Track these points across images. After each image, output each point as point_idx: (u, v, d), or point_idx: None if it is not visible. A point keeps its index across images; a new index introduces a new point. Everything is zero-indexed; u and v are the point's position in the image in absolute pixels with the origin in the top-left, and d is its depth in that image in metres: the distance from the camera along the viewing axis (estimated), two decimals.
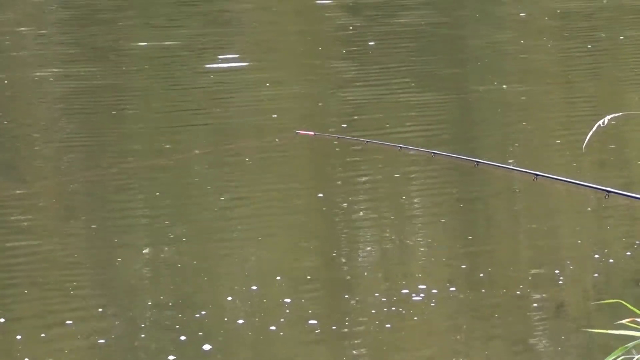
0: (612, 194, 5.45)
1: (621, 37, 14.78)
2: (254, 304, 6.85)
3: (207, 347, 6.26)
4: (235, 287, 7.25)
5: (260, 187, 9.05)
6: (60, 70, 12.45)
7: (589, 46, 13.30)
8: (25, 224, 8.55)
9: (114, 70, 11.78)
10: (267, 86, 10.65)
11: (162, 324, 6.79)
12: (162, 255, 7.84)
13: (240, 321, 6.74)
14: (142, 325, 6.77)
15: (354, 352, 6.27)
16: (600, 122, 6.65)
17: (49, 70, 12.47)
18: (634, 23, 15.24)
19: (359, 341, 6.37)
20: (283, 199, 8.81)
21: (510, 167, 7.46)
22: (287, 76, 10.93)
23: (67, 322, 6.84)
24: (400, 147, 8.30)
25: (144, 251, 7.89)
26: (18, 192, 9.06)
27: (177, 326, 6.61)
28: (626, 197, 5.09)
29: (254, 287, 7.13)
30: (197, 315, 6.67)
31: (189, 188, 9.09)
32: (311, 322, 6.45)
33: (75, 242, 8.28)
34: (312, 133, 9.10)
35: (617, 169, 8.41)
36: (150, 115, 10.37)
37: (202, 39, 12.81)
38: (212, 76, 10.85)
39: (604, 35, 14.51)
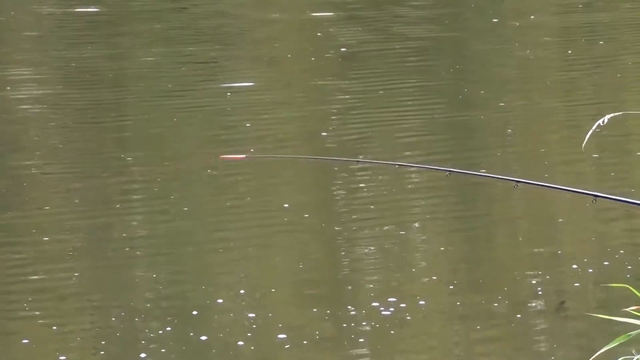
0: (600, 198, 5.46)
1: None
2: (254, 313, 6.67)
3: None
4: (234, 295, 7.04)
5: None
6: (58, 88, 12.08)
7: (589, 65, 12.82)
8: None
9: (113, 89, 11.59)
10: (271, 107, 10.48)
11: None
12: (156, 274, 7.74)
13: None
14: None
15: (356, 357, 6.24)
16: (600, 121, 6.72)
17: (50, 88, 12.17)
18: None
19: (360, 347, 6.30)
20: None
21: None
22: (290, 97, 10.81)
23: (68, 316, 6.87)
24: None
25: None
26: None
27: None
28: (614, 200, 5.08)
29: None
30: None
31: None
32: (312, 328, 6.40)
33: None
34: (243, 156, 8.90)
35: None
36: (150, 132, 10.17)
37: (203, 57, 12.55)
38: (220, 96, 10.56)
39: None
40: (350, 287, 7.22)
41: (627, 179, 8.27)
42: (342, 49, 12.75)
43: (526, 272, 7.26)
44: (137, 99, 11.38)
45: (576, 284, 6.57)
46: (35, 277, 7.46)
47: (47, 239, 8.13)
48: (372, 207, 8.71)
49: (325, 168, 9.21)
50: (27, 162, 9.56)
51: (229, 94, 10.80)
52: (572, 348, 5.31)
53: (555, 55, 13.48)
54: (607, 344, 4.29)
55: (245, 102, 10.47)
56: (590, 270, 6.71)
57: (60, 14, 15.35)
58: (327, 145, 9.90)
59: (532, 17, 15.36)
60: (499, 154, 9.83)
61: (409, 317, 6.50)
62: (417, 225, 8.48)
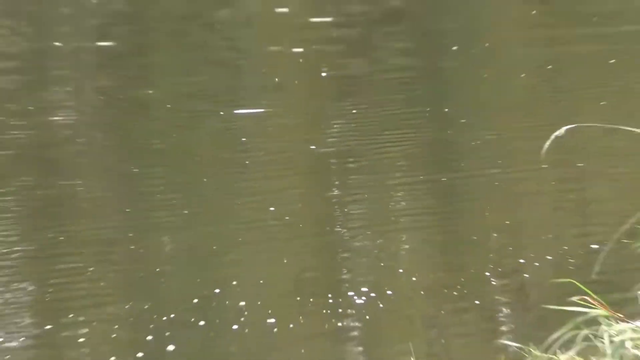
0: None
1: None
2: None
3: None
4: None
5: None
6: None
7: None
8: None
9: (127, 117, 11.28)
10: (280, 131, 10.40)
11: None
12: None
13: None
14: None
15: (343, 346, 6.39)
16: (557, 132, 7.12)
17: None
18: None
19: (346, 336, 6.44)
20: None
21: None
22: (299, 120, 10.81)
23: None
24: None
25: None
26: None
27: None
28: None
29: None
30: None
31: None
32: (300, 320, 6.52)
33: None
34: None
35: None
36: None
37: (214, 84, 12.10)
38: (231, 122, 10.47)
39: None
40: (334, 280, 7.38)
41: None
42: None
43: (490, 264, 7.23)
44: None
45: (536, 277, 6.65)
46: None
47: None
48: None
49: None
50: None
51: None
52: (530, 335, 5.25)
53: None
54: (559, 328, 4.77)
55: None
56: (550, 260, 6.86)
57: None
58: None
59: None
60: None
61: (382, 305, 6.64)
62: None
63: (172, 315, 6.44)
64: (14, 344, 6.40)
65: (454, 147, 10.18)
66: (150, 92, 11.51)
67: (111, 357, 6.11)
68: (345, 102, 11.26)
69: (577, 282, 4.96)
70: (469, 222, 8.54)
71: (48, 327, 6.58)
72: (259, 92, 11.42)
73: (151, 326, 6.27)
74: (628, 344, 4.50)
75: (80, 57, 13.25)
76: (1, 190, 8.81)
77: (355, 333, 6.50)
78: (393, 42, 13.54)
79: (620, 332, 4.61)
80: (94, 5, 15.29)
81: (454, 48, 13.10)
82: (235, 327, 6.29)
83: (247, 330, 6.28)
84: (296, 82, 11.91)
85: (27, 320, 6.79)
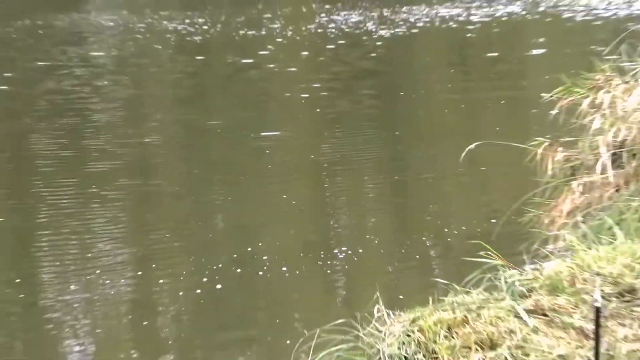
0: None
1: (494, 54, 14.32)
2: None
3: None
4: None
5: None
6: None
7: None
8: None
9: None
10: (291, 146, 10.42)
11: None
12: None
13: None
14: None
15: (332, 284, 6.36)
16: (469, 147, 7.08)
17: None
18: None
19: (332, 278, 6.43)
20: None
21: None
22: (303, 140, 10.83)
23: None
24: None
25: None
26: None
27: None
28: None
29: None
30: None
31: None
32: (302, 268, 6.51)
33: None
34: None
35: None
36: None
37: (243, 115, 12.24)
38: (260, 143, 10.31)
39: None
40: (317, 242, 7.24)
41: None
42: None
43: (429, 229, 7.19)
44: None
45: (457, 240, 6.58)
46: None
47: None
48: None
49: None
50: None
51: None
52: (453, 277, 5.12)
53: None
54: (472, 273, 4.69)
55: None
56: (465, 229, 6.73)
57: None
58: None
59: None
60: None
61: (355, 259, 6.58)
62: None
63: (219, 265, 6.32)
64: (115, 290, 6.32)
65: (403, 158, 10.09)
66: (212, 122, 11.45)
67: (180, 292, 6.03)
68: (334, 128, 11.19)
69: (483, 242, 4.88)
70: (413, 207, 8.41)
71: (139, 273, 6.50)
72: (278, 121, 11.34)
73: (206, 272, 6.20)
74: (517, 283, 4.41)
75: (163, 100, 13.21)
76: (114, 186, 8.73)
77: (339, 276, 6.43)
78: (364, 90, 13.50)
79: (511, 276, 4.50)
80: (171, 66, 15.30)
81: (401, 94, 13.04)
82: (260, 272, 6.22)
83: (268, 275, 6.19)
84: (300, 115, 11.86)
85: (129, 272, 6.69)
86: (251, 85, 13.62)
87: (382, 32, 18.02)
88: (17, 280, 6.28)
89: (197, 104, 12.71)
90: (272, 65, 14.82)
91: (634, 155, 6.07)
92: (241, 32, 18.13)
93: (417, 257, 6.47)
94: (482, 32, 18.51)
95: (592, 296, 3.48)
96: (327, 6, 21.67)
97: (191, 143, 10.78)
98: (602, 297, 3.31)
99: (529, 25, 19.09)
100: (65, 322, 5.64)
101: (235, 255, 6.47)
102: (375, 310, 4.17)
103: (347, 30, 18.31)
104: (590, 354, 3.16)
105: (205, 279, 6.06)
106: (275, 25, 18.83)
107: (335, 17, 19.98)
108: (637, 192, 5.75)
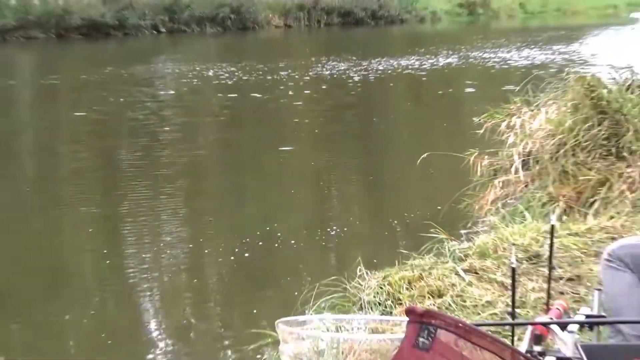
0: None
1: (440, 91, 14.01)
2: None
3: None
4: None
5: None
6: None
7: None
8: None
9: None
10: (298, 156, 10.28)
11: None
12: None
13: None
14: None
15: (328, 251, 6.28)
16: (423, 155, 7.09)
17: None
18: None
19: (329, 247, 6.33)
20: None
21: None
22: (307, 152, 10.63)
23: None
24: None
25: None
26: None
27: None
28: None
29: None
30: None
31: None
32: (307, 240, 6.55)
33: None
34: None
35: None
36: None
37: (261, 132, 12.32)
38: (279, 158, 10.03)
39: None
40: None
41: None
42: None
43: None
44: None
45: (414, 220, 6.40)
46: None
47: None
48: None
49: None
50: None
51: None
52: (412, 247, 4.85)
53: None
54: (425, 244, 4.57)
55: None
56: (419, 213, 6.54)
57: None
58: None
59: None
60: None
61: (343, 234, 6.51)
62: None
63: (247, 240, 6.29)
64: (175, 258, 6.28)
65: (376, 164, 9.93)
66: (243, 140, 11.38)
67: (219, 259, 5.98)
68: (327, 144, 11.04)
69: (433, 223, 4.87)
70: (383, 198, 8.24)
71: (191, 245, 6.48)
72: (289, 139, 11.19)
73: (238, 245, 6.17)
74: (456, 251, 4.41)
75: (207, 125, 13.11)
76: (175, 186, 8.68)
77: (331, 247, 6.35)
78: (348, 117, 13.38)
79: (452, 246, 4.50)
80: (213, 100, 15.19)
81: (374, 119, 12.96)
82: (276, 245, 6.12)
83: (281, 247, 6.09)
84: (304, 135, 11.78)
85: (185, 245, 6.60)
86: (270, 114, 13.48)
87: (360, 77, 17.95)
88: (105, 251, 6.28)
89: (231, 127, 12.57)
90: (283, 100, 14.65)
91: (537, 161, 6.09)
92: (262, 77, 18.02)
93: (386, 233, 6.42)
94: (431, 76, 18.42)
95: (509, 260, 3.48)
96: (322, 59, 21.57)
97: (228, 154, 10.65)
98: (517, 260, 3.27)
99: (463, 72, 19.00)
100: (141, 279, 5.64)
101: (258, 233, 6.38)
102: (357, 271, 4.18)
103: (335, 75, 18.23)
104: (509, 300, 3.23)
105: (237, 250, 6.00)
106: (286, 72, 18.76)
107: (327, 67, 19.94)
108: (540, 187, 5.78)
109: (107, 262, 5.98)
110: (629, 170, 5.48)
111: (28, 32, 31.61)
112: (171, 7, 35.42)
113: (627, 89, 6.42)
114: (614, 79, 6.67)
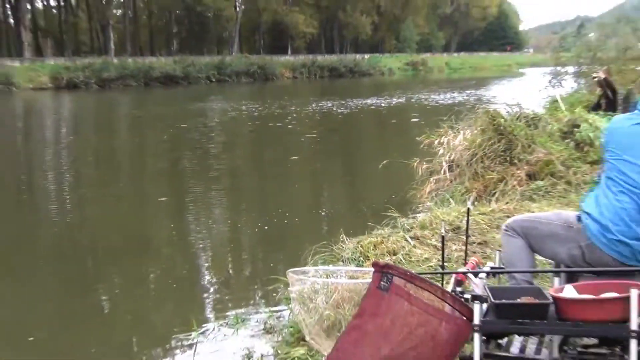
0: None
1: (394, 120, 13.89)
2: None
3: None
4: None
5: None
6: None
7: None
8: None
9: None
10: (302, 164, 10.12)
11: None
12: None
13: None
14: None
15: (320, 222, 5.99)
16: (383, 162, 7.05)
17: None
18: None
19: (322, 220, 6.07)
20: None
21: None
22: (307, 159, 10.44)
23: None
24: None
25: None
26: None
27: None
28: None
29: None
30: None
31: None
32: (308, 216, 6.25)
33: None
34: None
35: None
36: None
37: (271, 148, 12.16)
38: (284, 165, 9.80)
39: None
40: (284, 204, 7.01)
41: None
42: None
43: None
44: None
45: (373, 204, 6.02)
46: None
47: None
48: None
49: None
50: None
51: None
52: (377, 222, 4.66)
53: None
54: (384, 220, 4.53)
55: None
56: (379, 199, 6.20)
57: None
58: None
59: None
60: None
61: (330, 214, 6.31)
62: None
63: (267, 218, 6.08)
64: (219, 230, 6.09)
65: (352, 167, 9.75)
66: (265, 153, 11.25)
67: (248, 230, 5.83)
68: (320, 154, 10.84)
69: (391, 206, 4.84)
70: (356, 189, 8.07)
71: (230, 222, 6.32)
72: (295, 151, 11.06)
73: (260, 220, 6.02)
74: (406, 225, 4.38)
75: (240, 142, 13.00)
76: (219, 184, 8.35)
77: (323, 222, 6.15)
78: (334, 138, 13.25)
79: (403, 222, 4.48)
80: (243, 127, 15.11)
81: (351, 139, 12.87)
82: (285, 221, 5.99)
83: (287, 222, 5.95)
84: (304, 149, 11.66)
85: (226, 222, 6.39)
86: (282, 135, 13.25)
87: (341, 111, 17.95)
88: (172, 225, 6.16)
89: (256, 145, 12.35)
90: (290, 126, 14.48)
91: (458, 166, 6.06)
92: (277, 111, 17.99)
93: (359, 213, 6.20)
94: (388, 110, 18.43)
95: (440, 231, 3.43)
96: (316, 99, 21.63)
97: (254, 162, 10.44)
98: (445, 231, 3.25)
99: (409, 107, 19.02)
100: (197, 242, 5.55)
101: (273, 213, 6.19)
102: (340, 237, 4.15)
103: (324, 110, 18.25)
104: (439, 257, 3.19)
105: (260, 224, 5.86)
106: (293, 108, 18.74)
107: (319, 104, 19.99)
108: (459, 183, 5.74)
109: (174, 232, 5.89)
110: (518, 172, 5.49)
111: (125, 82, 33.63)
112: (219, 65, 37.97)
113: (517, 118, 6.42)
114: (508, 111, 6.67)
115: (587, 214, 2.00)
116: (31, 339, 3.38)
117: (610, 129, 2.03)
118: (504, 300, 1.83)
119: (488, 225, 4.15)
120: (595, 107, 8.01)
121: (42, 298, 4.06)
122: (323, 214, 6.41)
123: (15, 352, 3.22)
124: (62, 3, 41.74)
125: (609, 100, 8.04)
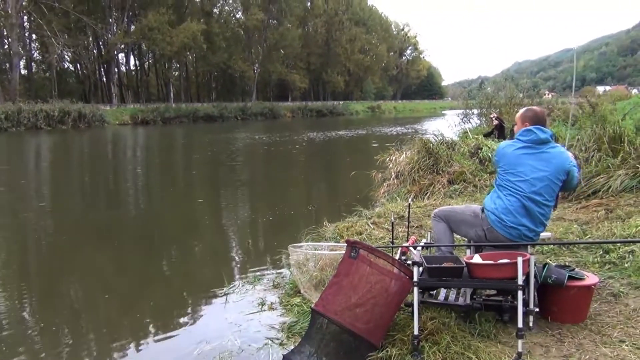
0: None
1: (360, 145, 13.65)
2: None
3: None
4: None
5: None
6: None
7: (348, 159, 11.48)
8: None
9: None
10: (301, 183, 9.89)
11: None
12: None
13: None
14: None
15: (310, 215, 5.61)
16: (352, 172, 6.99)
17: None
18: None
19: (313, 214, 5.76)
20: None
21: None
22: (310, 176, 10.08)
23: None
24: None
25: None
26: None
27: None
28: None
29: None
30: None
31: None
32: (307, 208, 5.92)
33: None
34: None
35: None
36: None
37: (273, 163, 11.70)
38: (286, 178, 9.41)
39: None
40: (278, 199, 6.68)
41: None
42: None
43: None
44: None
45: (346, 199, 5.87)
46: None
47: None
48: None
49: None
50: None
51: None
52: (351, 213, 4.57)
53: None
54: (356, 211, 4.49)
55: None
56: (351, 195, 6.00)
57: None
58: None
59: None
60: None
61: (318, 208, 6.00)
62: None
63: (275, 209, 5.89)
64: (241, 219, 5.85)
65: (331, 177, 9.46)
66: (271, 166, 10.93)
67: (262, 217, 5.62)
68: (308, 169, 10.56)
69: (357, 203, 4.78)
70: (333, 190, 7.81)
71: (250, 212, 6.07)
72: (293, 167, 10.73)
73: (270, 210, 5.80)
74: (367, 214, 4.34)
75: (256, 160, 12.73)
76: (240, 191, 8.00)
77: (312, 214, 5.77)
78: (318, 158, 12.96)
79: (365, 212, 4.42)
80: (260, 150, 14.84)
81: (328, 158, 12.61)
82: (284, 214, 5.71)
83: (286, 214, 5.70)
84: (298, 166, 11.31)
85: (246, 212, 6.11)
86: (283, 157, 12.83)
87: (323, 139, 17.79)
88: (207, 223, 5.78)
89: (265, 163, 11.94)
90: (290, 146, 14.26)
91: (402, 174, 6.03)
92: (279, 139, 17.78)
93: (337, 207, 6.04)
94: (355, 138, 18.36)
95: (391, 218, 3.38)
96: (307, 131, 21.55)
97: (264, 175, 10.03)
98: (394, 218, 3.24)
99: (370, 137, 18.96)
100: (224, 227, 5.34)
101: (276, 208, 5.94)
102: (324, 223, 4.09)
103: (312, 138, 18.08)
104: (390, 237, 3.18)
105: (267, 215, 5.65)
106: (290, 137, 18.53)
107: (309, 135, 19.88)
108: (403, 186, 5.71)
109: (207, 221, 5.69)
110: (441, 179, 5.51)
111: (180, 119, 34.95)
112: (243, 108, 39.92)
113: (441, 143, 6.47)
114: (434, 139, 6.71)
115: (488, 208, 2.08)
116: (107, 296, 3.24)
117: (501, 151, 2.09)
118: (433, 265, 1.91)
119: (422, 215, 4.19)
120: (487, 135, 8.33)
121: (126, 263, 3.97)
122: (311, 208, 6.24)
123: (106, 301, 3.13)
124: (138, 68, 43.96)
125: (500, 132, 8.34)
